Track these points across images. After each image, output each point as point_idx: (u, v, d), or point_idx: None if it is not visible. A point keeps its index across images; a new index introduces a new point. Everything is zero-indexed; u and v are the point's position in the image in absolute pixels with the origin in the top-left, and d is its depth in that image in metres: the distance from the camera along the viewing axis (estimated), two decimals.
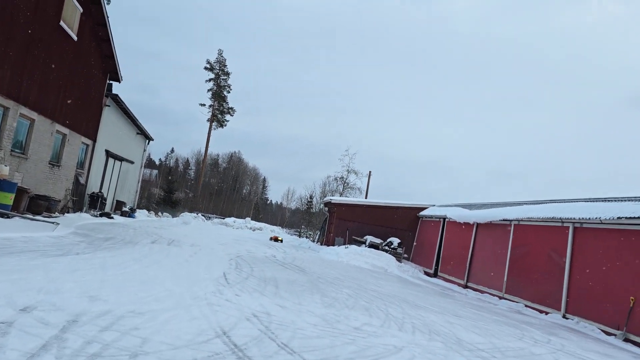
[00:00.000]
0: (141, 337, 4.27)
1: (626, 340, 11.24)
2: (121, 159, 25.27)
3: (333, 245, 26.37)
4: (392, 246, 24.58)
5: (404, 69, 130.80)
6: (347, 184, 49.58)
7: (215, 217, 46.61)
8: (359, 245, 24.19)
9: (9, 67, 12.45)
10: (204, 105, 65.88)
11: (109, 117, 22.07)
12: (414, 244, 26.84)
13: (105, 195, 22.52)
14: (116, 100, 21.98)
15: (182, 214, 35.06)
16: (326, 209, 32.57)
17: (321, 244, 29.99)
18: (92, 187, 21.46)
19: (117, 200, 25.47)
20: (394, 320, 7.81)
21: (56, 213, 15.69)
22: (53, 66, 15.02)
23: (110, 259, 8.76)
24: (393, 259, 22.26)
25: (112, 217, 20.07)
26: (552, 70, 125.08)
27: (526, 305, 15.12)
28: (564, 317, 13.45)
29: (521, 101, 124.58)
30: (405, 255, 25.50)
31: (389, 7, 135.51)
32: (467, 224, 20.85)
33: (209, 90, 65.94)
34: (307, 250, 24.85)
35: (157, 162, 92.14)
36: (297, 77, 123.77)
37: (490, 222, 18.87)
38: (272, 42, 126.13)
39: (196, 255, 12.24)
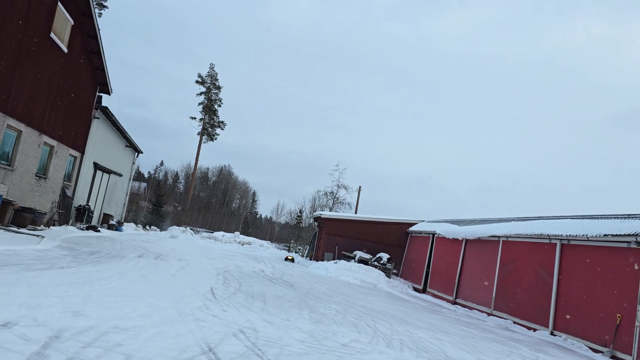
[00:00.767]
0: (125, 353, 4.19)
1: (613, 357, 11.25)
2: (109, 172, 25.08)
3: (322, 260, 26.26)
4: (382, 261, 24.52)
5: (393, 86, 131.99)
6: (337, 198, 49.66)
7: (204, 231, 46.25)
8: (349, 261, 24.11)
9: None
10: (195, 118, 65.75)
11: (98, 130, 21.95)
12: (403, 259, 26.82)
13: (92, 208, 22.28)
14: (105, 112, 21.87)
15: (170, 227, 34.73)
16: (316, 223, 32.49)
17: (310, 259, 29.85)
18: (79, 199, 21.24)
19: (104, 214, 25.22)
20: (383, 337, 7.76)
21: (42, 226, 15.48)
22: (42, 77, 14.93)
23: (96, 273, 8.63)
24: (382, 274, 22.20)
25: (98, 231, 19.84)
26: (539, 89, 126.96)
27: (514, 322, 15.11)
28: (551, 334, 13.45)
29: (508, 118, 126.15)
30: (395, 271, 25.44)
31: (378, 26, 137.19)
32: (455, 240, 20.89)
33: (199, 104, 65.88)
34: (296, 265, 24.72)
35: (146, 175, 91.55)
36: (288, 93, 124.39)
37: (479, 238, 18.92)
38: (264, 58, 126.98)
39: (183, 269, 12.10)
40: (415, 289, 23.29)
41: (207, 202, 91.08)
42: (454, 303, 19.35)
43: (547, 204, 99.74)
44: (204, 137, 65.54)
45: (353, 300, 12.78)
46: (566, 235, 13.89)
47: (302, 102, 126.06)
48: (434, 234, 23.47)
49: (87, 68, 18.61)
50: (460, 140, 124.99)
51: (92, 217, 22.22)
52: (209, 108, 65.58)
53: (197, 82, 65.83)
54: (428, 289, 22.54)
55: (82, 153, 20.05)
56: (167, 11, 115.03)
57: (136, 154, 30.93)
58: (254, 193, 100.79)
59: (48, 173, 16.84)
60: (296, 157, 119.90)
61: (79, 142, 19.38)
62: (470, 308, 17.89)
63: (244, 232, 65.15)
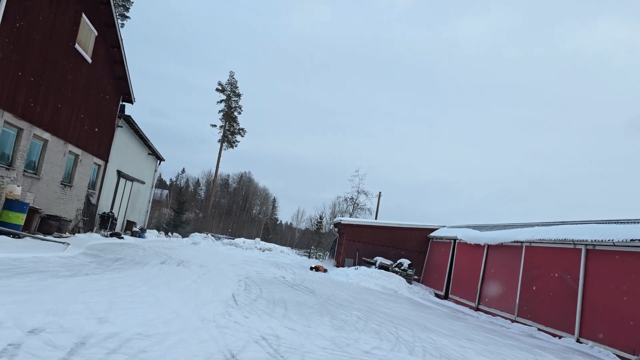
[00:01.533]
0: None
1: None
2: (132, 179, 25.46)
3: (343, 266, 26.19)
4: (402, 267, 24.35)
5: (411, 91, 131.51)
6: (357, 204, 49.52)
7: (225, 238, 46.57)
8: (369, 267, 24.00)
9: (24, 88, 12.68)
10: (215, 126, 66.53)
11: (121, 138, 22.32)
12: (425, 265, 26.59)
13: (115, 216, 22.63)
14: (128, 121, 22.25)
15: (191, 234, 35.09)
16: (336, 229, 32.44)
17: (330, 265, 29.78)
18: (103, 207, 21.60)
19: (127, 221, 25.59)
20: (405, 344, 7.69)
21: (67, 233, 15.77)
22: (67, 87, 15.27)
23: (119, 279, 8.76)
24: (403, 280, 22.04)
25: (122, 237, 20.13)
26: (560, 92, 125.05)
27: (539, 329, 14.84)
28: (577, 341, 13.16)
29: (529, 122, 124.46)
30: (416, 277, 25.24)
31: (396, 31, 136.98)
32: (477, 246, 20.64)
33: (220, 112, 66.64)
34: (317, 271, 24.69)
35: (168, 182, 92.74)
36: (307, 99, 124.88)
37: (502, 243, 18.65)
38: (283, 65, 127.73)
39: (205, 276, 12.19)
40: (437, 295, 23.06)
41: (228, 208, 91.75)
42: (477, 309, 19.09)
43: (570, 209, 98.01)
44: (224, 144, 66.18)
45: (374, 307, 12.71)
46: (591, 241, 13.61)
47: (321, 109, 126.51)
48: (455, 240, 23.22)
49: (111, 78, 18.98)
50: (480, 145, 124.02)
51: (116, 224, 22.56)
52: (229, 115, 66.22)
53: (217, 89, 66.65)
54: (450, 295, 22.29)
55: (106, 161, 20.41)
56: (187, 21, 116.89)
57: (158, 161, 31.35)
58: (274, 199, 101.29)
59: (73, 181, 17.18)
60: (316, 163, 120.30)
61: (102, 151, 19.74)
62: (493, 314, 17.63)
63: (265, 239, 65.39)
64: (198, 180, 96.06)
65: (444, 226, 27.37)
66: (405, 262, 24.65)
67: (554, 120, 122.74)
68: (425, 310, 15.22)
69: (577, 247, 14.28)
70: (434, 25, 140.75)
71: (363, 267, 23.12)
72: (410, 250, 26.95)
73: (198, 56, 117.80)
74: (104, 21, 16.89)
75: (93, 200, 19.68)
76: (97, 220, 20.60)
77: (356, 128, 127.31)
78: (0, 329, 4.25)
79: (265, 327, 6.73)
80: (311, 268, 24.32)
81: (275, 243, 54.36)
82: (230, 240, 41.24)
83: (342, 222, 29.27)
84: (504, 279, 17.96)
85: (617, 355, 11.66)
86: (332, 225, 39.52)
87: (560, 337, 13.81)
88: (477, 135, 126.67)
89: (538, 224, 18.60)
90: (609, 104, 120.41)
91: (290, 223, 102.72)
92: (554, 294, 14.94)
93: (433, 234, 26.78)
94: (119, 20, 17.77)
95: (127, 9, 45.46)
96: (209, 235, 40.25)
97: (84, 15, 15.32)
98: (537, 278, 16.08)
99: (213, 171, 73.20)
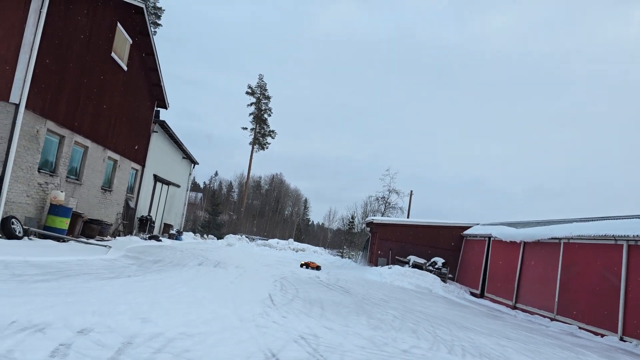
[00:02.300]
0: (192, 359, 4.36)
1: None
2: (168, 183, 26.02)
3: (376, 265, 26.12)
4: (436, 266, 24.12)
5: (441, 89, 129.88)
6: (389, 203, 49.26)
7: (259, 239, 47.06)
8: (402, 266, 23.87)
9: (65, 97, 13.15)
10: (246, 128, 67.22)
11: (157, 143, 22.84)
12: (459, 263, 26.25)
13: (153, 219, 23.18)
14: (163, 126, 22.76)
15: (226, 236, 35.59)
16: (368, 229, 32.36)
17: (364, 265, 29.75)
18: (141, 210, 22.15)
19: (164, 223, 26.17)
20: (443, 343, 7.65)
21: (108, 236, 16.26)
22: (105, 95, 15.74)
23: (160, 281, 9.00)
24: (438, 279, 21.83)
25: (160, 240, 20.61)
26: (594, 85, 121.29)
27: (580, 327, 14.47)
28: (621, 339, 12.78)
29: (562, 117, 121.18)
30: (450, 276, 24.96)
31: (424, 28, 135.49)
32: (513, 243, 20.26)
33: (250, 114, 67.30)
34: (350, 270, 24.71)
35: (202, 185, 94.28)
36: (336, 100, 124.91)
37: (539, 240, 18.26)
38: (311, 66, 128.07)
39: (241, 276, 12.39)
40: (473, 294, 22.74)
41: (261, 210, 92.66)
42: (514, 308, 18.75)
43: (606, 204, 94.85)
44: (255, 146, 66.81)
45: (409, 306, 12.65)
46: (633, 236, 13.20)
47: (349, 108, 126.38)
48: (490, 237, 22.86)
49: (145, 84, 19.46)
50: (511, 142, 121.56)
51: (154, 227, 23.11)
52: (260, 118, 66.83)
53: (247, 93, 67.33)
54: (486, 294, 21.96)
55: (143, 166, 20.93)
56: (216, 26, 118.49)
57: (192, 165, 31.95)
58: (306, 200, 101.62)
59: (112, 186, 17.70)
60: (346, 163, 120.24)
61: (139, 156, 20.26)
62: (532, 313, 17.28)
63: (297, 239, 65.76)
64: (231, 183, 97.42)
65: (478, 224, 26.97)
66: (439, 261, 24.41)
67: (589, 113, 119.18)
68: (461, 309, 15.05)
69: (619, 242, 13.87)
70: (461, 21, 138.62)
71: (396, 266, 23.01)
72: (443, 249, 26.66)
73: (228, 60, 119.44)
74: (138, 29, 17.33)
75: (132, 204, 20.22)
76: (136, 223, 21.15)
77: (387, 127, 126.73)
78: (51, 330, 4.43)
79: (304, 327, 6.80)
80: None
81: (308, 243, 54.62)
82: (264, 241, 41.67)
83: (374, 221, 29.19)
84: (542, 277, 17.58)
85: None
86: (364, 225, 39.45)
87: (602, 335, 13.43)
88: (508, 132, 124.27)
89: (576, 220, 18.12)
90: None
91: (322, 223, 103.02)
92: (595, 291, 14.55)
93: (467, 232, 26.42)
94: (152, 28, 18.21)
95: (158, 17, 46.44)
96: (243, 236, 40.74)
97: (119, 24, 15.76)
98: (576, 275, 15.68)
99: (245, 173, 74.06)
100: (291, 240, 43.69)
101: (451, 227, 27.34)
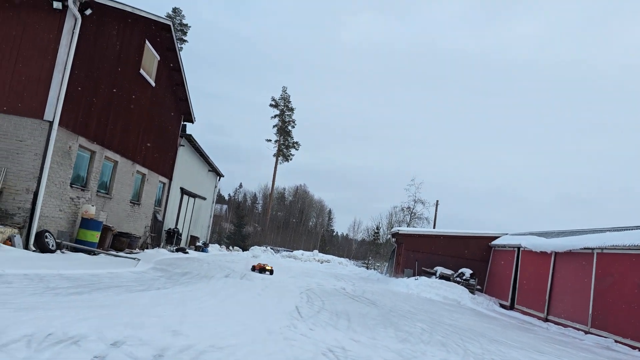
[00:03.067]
0: None
1: None
2: (194, 196, 26.37)
3: (402, 276, 25.87)
4: (464, 277, 23.75)
5: (465, 98, 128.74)
6: (414, 214, 48.80)
7: (284, 250, 47.16)
8: (429, 277, 23.58)
9: (96, 114, 13.50)
10: (270, 140, 67.82)
11: (183, 156, 23.22)
12: (487, 274, 25.81)
13: (180, 231, 23.50)
14: (190, 140, 23.14)
15: (251, 247, 35.82)
16: (394, 239, 32.12)
17: (390, 276, 29.51)
18: (169, 223, 22.48)
19: (191, 236, 26.49)
20: (474, 357, 7.52)
21: (137, 249, 16.54)
22: (134, 111, 16.11)
23: (189, 293, 9.10)
24: (466, 290, 21.50)
25: (187, 252, 20.85)
26: (621, 93, 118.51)
27: (616, 341, 14.03)
28: None
29: (590, 125, 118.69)
30: (479, 287, 24.53)
31: (446, 38, 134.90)
32: (544, 253, 19.84)
33: (274, 126, 67.91)
34: (376, 282, 24.55)
35: (227, 197, 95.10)
36: (359, 111, 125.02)
37: (570, 250, 17.84)
38: (335, 77, 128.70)
39: (268, 288, 12.43)
40: (502, 306, 22.30)
41: (285, 221, 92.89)
42: (546, 320, 18.31)
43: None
44: (279, 158, 67.26)
45: (438, 318, 12.49)
46: None
47: (372, 119, 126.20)
48: (519, 247, 22.44)
49: (172, 99, 19.85)
50: (538, 151, 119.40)
51: (181, 239, 23.41)
52: (283, 129, 67.33)
53: (271, 105, 67.99)
54: (516, 306, 21.51)
55: (170, 179, 21.28)
56: (240, 39, 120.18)
57: (218, 177, 32.32)
58: (330, 211, 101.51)
59: (141, 199, 18.03)
60: (370, 174, 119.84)
61: (167, 169, 20.61)
62: (565, 325, 16.84)
63: (322, 250, 65.68)
64: (255, 195, 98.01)
65: (507, 234, 26.51)
66: (467, 272, 24.03)
67: (619, 121, 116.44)
68: (491, 322, 14.78)
69: None
70: (480, 30, 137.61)
71: (423, 278, 22.75)
72: (470, 260, 26.24)
73: (251, 73, 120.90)
74: (165, 46, 17.72)
75: (159, 217, 20.54)
76: (164, 236, 21.46)
77: (412, 137, 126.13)
78: (85, 342, 4.53)
79: (331, 339, 6.79)
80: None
81: (333, 254, 54.47)
82: (288, 252, 41.74)
83: (399, 232, 28.97)
84: (575, 288, 17.15)
85: None
86: (389, 236, 39.18)
87: None
88: (535, 141, 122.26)
89: (609, 229, 17.67)
90: None
91: (347, 234, 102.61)
92: (632, 303, 14.11)
93: (495, 242, 25.99)
94: (178, 44, 18.59)
95: (184, 33, 47.43)
96: (268, 248, 40.92)
97: (147, 41, 16.15)
98: (611, 286, 15.25)
99: (269, 185, 74.53)
100: (316, 251, 43.68)
101: (479, 237, 26.93)
